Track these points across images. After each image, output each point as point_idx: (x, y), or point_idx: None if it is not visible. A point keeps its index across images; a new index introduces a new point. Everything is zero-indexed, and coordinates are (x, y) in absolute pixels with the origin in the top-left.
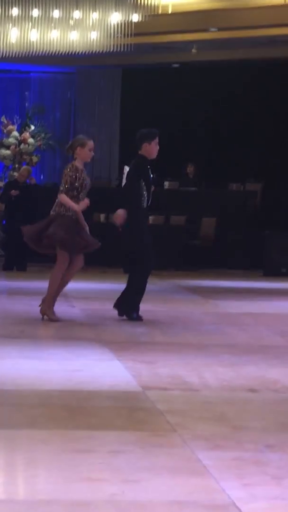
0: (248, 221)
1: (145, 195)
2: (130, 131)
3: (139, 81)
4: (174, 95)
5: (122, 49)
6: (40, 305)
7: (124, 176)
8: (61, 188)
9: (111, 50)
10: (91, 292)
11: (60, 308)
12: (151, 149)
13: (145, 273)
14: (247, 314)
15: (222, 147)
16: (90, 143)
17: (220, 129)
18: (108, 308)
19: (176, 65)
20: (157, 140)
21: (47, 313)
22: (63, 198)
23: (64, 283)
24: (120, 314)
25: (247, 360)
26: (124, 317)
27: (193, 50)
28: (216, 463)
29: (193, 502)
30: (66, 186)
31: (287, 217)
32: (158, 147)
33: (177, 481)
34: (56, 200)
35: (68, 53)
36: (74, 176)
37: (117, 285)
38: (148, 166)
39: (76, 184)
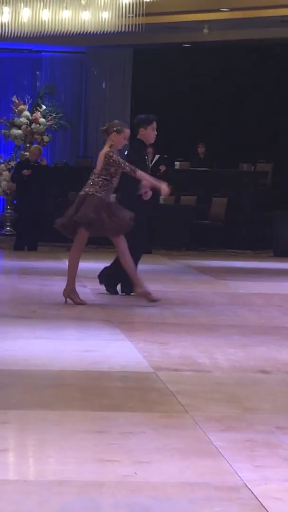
0: (259, 201)
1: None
2: (142, 111)
3: (150, 61)
4: (185, 75)
5: (133, 29)
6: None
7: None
8: (128, 169)
9: (123, 30)
10: None
11: None
12: (148, 134)
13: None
14: (258, 295)
15: (233, 128)
16: (127, 132)
17: (230, 109)
18: (119, 288)
19: (187, 45)
20: (154, 125)
21: (71, 296)
22: (138, 174)
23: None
24: (100, 282)
25: (258, 341)
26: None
27: (205, 30)
28: (228, 445)
29: (204, 483)
30: (120, 162)
31: None
32: (155, 133)
33: (189, 463)
34: (88, 181)
35: (80, 32)
36: (110, 162)
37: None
38: (144, 151)
39: (112, 170)
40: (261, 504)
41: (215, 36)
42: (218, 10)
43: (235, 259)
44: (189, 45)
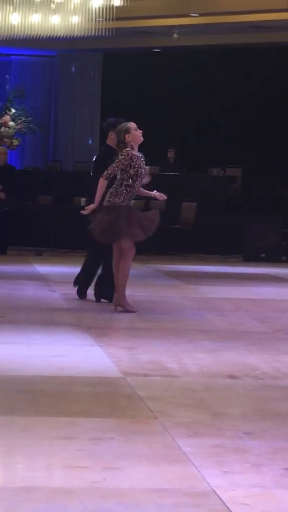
0: (228, 206)
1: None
2: (111, 115)
3: (120, 66)
4: (155, 79)
5: (103, 33)
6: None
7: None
8: (104, 173)
9: (92, 34)
10: (72, 277)
11: (41, 293)
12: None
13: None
14: (227, 300)
15: (203, 132)
16: (132, 124)
17: (201, 114)
18: (89, 293)
19: (157, 50)
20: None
21: (121, 304)
22: (100, 182)
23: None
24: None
25: (227, 346)
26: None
27: (175, 35)
28: (196, 451)
29: (173, 489)
30: (109, 172)
31: (267, 202)
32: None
33: (158, 469)
34: (110, 190)
35: (49, 36)
36: (128, 164)
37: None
38: (113, 155)
39: (131, 171)
40: (229, 510)
41: (185, 41)
42: (188, 15)
43: (205, 263)
44: (159, 50)
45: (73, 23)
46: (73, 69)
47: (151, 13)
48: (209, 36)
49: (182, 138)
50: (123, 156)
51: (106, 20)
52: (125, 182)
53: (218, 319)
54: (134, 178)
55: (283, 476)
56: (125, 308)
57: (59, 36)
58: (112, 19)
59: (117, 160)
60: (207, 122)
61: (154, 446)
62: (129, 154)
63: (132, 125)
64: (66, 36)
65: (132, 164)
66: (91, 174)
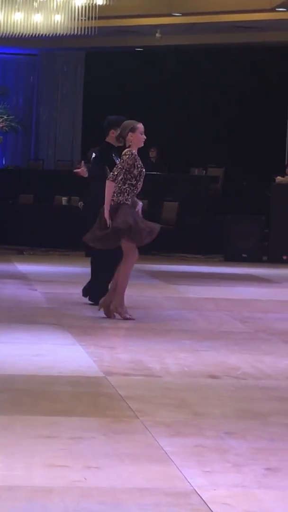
0: (210, 206)
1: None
2: (93, 114)
3: (103, 64)
4: (137, 79)
5: (86, 32)
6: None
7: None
8: (111, 175)
9: (75, 33)
10: (53, 276)
11: (21, 291)
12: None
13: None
14: (208, 299)
15: (185, 132)
16: (141, 127)
17: (183, 113)
18: (71, 292)
19: (139, 49)
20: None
21: (119, 311)
22: (108, 185)
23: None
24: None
25: (208, 346)
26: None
27: (157, 35)
28: (177, 450)
29: (154, 489)
30: (116, 173)
31: (249, 202)
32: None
33: (139, 468)
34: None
35: (32, 35)
36: (132, 164)
37: (79, 269)
38: (113, 154)
39: (135, 172)
40: (210, 509)
41: (168, 40)
42: (170, 15)
43: (186, 263)
44: (142, 49)
45: (55, 22)
46: (55, 68)
47: (134, 12)
48: (191, 35)
49: (164, 138)
50: (127, 156)
51: (88, 19)
52: (128, 182)
53: (199, 319)
54: (138, 178)
55: (264, 476)
56: (123, 316)
57: (42, 35)
58: (95, 18)
59: (122, 161)
60: (189, 121)
61: (135, 446)
62: (133, 154)
63: (140, 126)
64: (49, 35)
65: (135, 164)
66: (89, 174)
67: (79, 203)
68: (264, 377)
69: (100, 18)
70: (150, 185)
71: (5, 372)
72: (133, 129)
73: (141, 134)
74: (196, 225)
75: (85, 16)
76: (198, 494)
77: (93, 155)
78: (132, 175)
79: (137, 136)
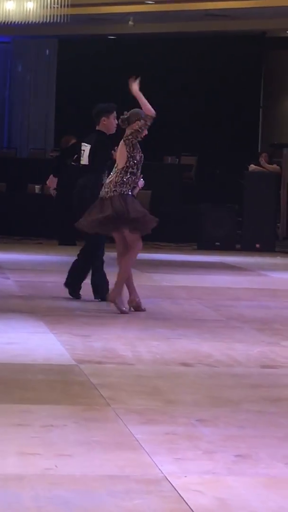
0: (183, 194)
1: (106, 172)
2: (66, 102)
3: (75, 52)
4: (110, 66)
5: (58, 20)
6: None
7: (84, 153)
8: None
9: (48, 20)
10: (26, 264)
11: None
12: (110, 124)
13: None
14: (181, 288)
15: (157, 120)
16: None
17: (155, 101)
18: (44, 280)
19: (112, 37)
20: (115, 114)
21: (116, 302)
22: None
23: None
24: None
25: (181, 334)
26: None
27: (130, 22)
28: (149, 438)
29: (125, 476)
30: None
31: (222, 190)
32: (116, 121)
33: (110, 456)
34: (114, 180)
35: (4, 22)
36: (140, 132)
37: (52, 257)
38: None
39: (137, 156)
40: (181, 496)
41: (140, 28)
42: (143, 3)
43: (159, 251)
44: (115, 37)
45: (28, 9)
46: (28, 56)
47: (106, 0)
48: (164, 23)
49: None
50: (130, 137)
51: (61, 6)
52: (130, 170)
53: (172, 307)
54: (138, 165)
55: (235, 463)
56: (119, 308)
57: (14, 22)
58: (67, 6)
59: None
60: (162, 109)
61: (107, 433)
62: (142, 128)
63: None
64: (21, 22)
65: (138, 146)
66: (87, 163)
67: (52, 191)
68: (236, 364)
69: (72, 5)
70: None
71: None
72: (144, 119)
73: (145, 129)
74: (170, 214)
75: (57, 4)
76: (169, 481)
77: (86, 146)
78: (135, 161)
79: (144, 127)
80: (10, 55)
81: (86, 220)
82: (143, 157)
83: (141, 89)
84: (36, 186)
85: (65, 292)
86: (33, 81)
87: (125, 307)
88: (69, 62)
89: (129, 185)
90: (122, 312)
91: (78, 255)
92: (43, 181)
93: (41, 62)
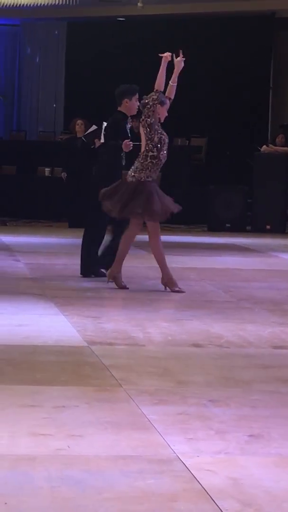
0: (193, 176)
1: (123, 153)
2: (75, 84)
3: (84, 34)
4: (119, 48)
5: (67, 2)
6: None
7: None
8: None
9: (56, 2)
10: (37, 247)
11: (5, 262)
12: (132, 105)
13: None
14: (191, 269)
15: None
16: (168, 103)
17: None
18: (54, 263)
19: (121, 19)
20: (137, 96)
21: (168, 284)
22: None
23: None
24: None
25: (191, 315)
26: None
27: (139, 4)
28: (161, 418)
29: (137, 456)
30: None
31: (232, 172)
32: (138, 103)
33: (122, 436)
34: (135, 165)
35: (14, 5)
36: (152, 110)
37: (62, 239)
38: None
39: (155, 138)
40: (193, 476)
41: (149, 10)
42: None
43: (169, 233)
44: (123, 19)
45: None
46: (37, 38)
47: None
48: (173, 5)
49: None
50: (143, 118)
51: None
52: (150, 154)
53: (183, 288)
54: (159, 146)
55: (247, 443)
56: (172, 289)
57: (23, 5)
58: None
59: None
60: None
61: (119, 414)
62: (156, 98)
63: (167, 101)
64: (30, 5)
65: (156, 127)
66: (102, 140)
67: (62, 173)
68: (247, 345)
69: None
70: (132, 155)
71: None
72: (162, 103)
73: (166, 110)
74: (180, 195)
75: None
76: (182, 461)
77: (104, 124)
78: (153, 144)
79: (163, 110)
80: (19, 38)
81: (115, 205)
82: (166, 138)
83: (150, 71)
84: (46, 169)
85: (75, 274)
86: (42, 64)
87: (123, 282)
88: (78, 44)
89: (149, 171)
90: (122, 287)
91: (114, 238)
92: (53, 164)
93: (50, 44)
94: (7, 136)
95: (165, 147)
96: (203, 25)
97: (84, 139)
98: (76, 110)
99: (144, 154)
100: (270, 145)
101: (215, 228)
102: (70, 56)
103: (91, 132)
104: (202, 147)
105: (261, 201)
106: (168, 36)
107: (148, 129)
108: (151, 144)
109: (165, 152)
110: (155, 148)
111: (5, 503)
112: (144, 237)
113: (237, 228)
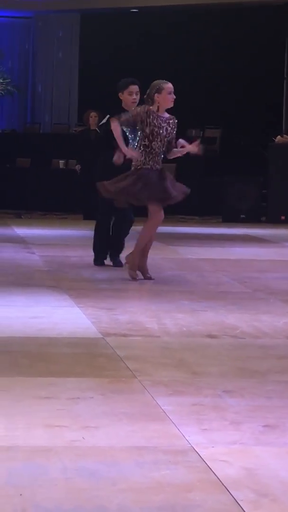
0: (207, 167)
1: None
2: (89, 76)
3: (98, 26)
4: (132, 40)
5: None
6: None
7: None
8: (116, 116)
9: None
10: (51, 239)
11: (20, 255)
12: (125, 99)
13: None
14: (206, 260)
15: (181, 93)
16: (168, 86)
17: (179, 74)
18: (68, 255)
19: (135, 10)
20: (130, 89)
21: (130, 266)
22: (112, 125)
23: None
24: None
25: (206, 306)
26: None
27: None
28: (175, 409)
29: (152, 447)
30: (121, 116)
31: (246, 163)
32: (133, 97)
33: (137, 427)
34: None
35: None
36: (142, 116)
37: (77, 231)
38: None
39: (147, 130)
40: (208, 466)
41: (163, 1)
42: None
43: (184, 225)
44: (137, 10)
45: None
46: (50, 30)
47: None
48: None
49: None
50: (140, 108)
51: None
52: (142, 142)
53: (198, 279)
54: (150, 138)
55: (262, 434)
56: (130, 273)
57: None
58: None
59: (133, 108)
60: (186, 82)
61: (133, 405)
62: (146, 108)
63: (167, 86)
64: None
65: (148, 121)
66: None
67: (76, 166)
68: (262, 335)
69: None
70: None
71: (3, 335)
72: (159, 90)
73: (169, 94)
74: (194, 186)
75: None
76: (196, 451)
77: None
78: (144, 134)
79: (164, 97)
80: (33, 30)
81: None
82: (157, 132)
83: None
84: (60, 161)
85: (90, 266)
86: (56, 56)
87: (135, 274)
88: (92, 36)
89: (144, 159)
90: (133, 278)
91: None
92: (67, 156)
93: (63, 36)
94: (21, 128)
95: (159, 138)
96: (217, 14)
97: (98, 130)
98: (90, 102)
99: (139, 143)
100: (285, 136)
101: (229, 219)
102: (83, 48)
103: (105, 123)
104: (217, 138)
105: (275, 192)
106: (182, 26)
107: (140, 123)
108: (143, 134)
109: (159, 142)
110: (146, 139)
111: (20, 495)
112: (157, 228)
113: (252, 219)
